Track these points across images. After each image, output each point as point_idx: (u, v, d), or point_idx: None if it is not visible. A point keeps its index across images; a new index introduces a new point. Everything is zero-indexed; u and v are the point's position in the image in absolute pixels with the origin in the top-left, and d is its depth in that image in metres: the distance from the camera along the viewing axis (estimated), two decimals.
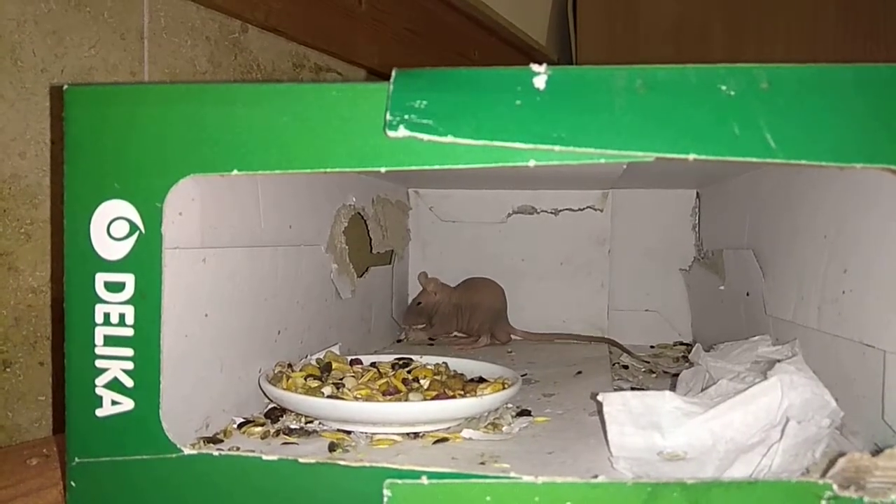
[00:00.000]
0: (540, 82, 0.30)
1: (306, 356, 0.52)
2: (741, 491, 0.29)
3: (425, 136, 0.30)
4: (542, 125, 0.29)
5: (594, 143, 0.29)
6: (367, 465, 0.31)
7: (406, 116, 0.30)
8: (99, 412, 0.33)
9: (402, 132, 0.30)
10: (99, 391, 0.33)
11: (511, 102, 0.30)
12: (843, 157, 0.29)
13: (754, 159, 0.29)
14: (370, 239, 0.70)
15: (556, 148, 0.29)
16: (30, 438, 0.48)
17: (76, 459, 0.33)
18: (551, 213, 0.80)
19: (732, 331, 0.61)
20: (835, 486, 0.29)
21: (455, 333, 0.78)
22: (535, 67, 0.30)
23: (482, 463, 0.37)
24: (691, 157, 0.29)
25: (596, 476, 0.30)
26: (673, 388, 0.49)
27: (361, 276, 0.67)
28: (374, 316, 0.71)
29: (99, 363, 0.33)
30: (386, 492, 0.30)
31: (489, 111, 0.30)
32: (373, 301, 0.71)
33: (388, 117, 0.30)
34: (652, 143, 0.29)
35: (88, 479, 0.33)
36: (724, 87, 0.29)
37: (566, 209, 0.80)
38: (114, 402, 0.33)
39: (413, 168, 0.31)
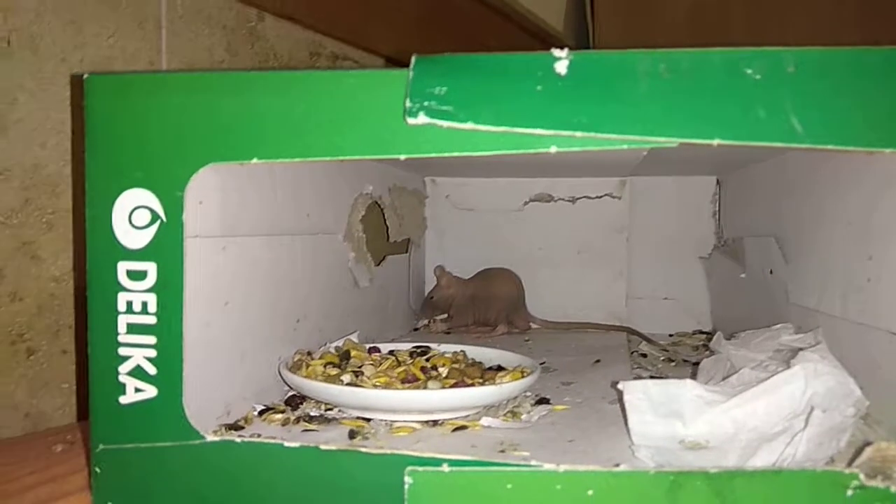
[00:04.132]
0: (561, 67, 0.29)
1: (325, 344, 0.52)
2: (766, 480, 0.29)
3: (445, 123, 0.30)
4: (563, 111, 0.29)
5: (616, 129, 0.29)
6: (389, 452, 0.32)
7: (426, 103, 0.30)
8: (122, 399, 0.33)
9: (422, 119, 0.30)
10: (122, 379, 0.33)
11: (532, 88, 0.29)
12: (870, 141, 0.29)
13: (780, 144, 0.28)
14: (387, 227, 0.70)
15: (578, 134, 0.29)
16: (54, 425, 0.49)
17: (100, 446, 0.34)
18: (569, 200, 0.80)
19: (753, 319, 0.61)
20: (861, 476, 0.28)
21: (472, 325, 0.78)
22: (556, 52, 0.29)
23: (502, 451, 0.37)
24: (716, 142, 0.28)
25: (618, 464, 0.30)
26: (693, 376, 0.48)
27: (378, 264, 0.67)
28: (391, 304, 0.71)
29: (122, 351, 0.33)
30: (407, 479, 0.30)
31: (510, 97, 0.29)
32: (390, 290, 0.71)
33: (408, 104, 0.30)
34: (675, 128, 0.29)
35: (113, 465, 0.34)
36: (749, 71, 0.29)
37: (584, 197, 0.79)
38: (137, 390, 0.33)
39: (432, 155, 0.31)
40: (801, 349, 0.40)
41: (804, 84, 0.29)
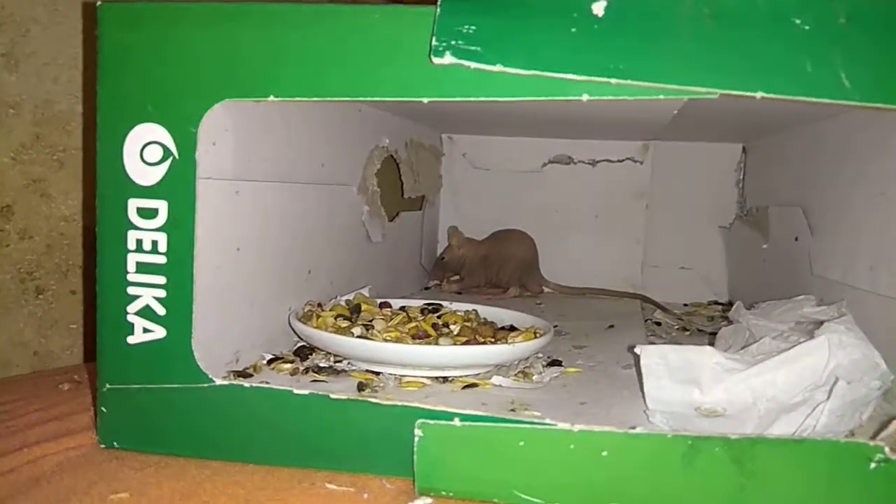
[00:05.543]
0: (599, 9, 0.28)
1: (336, 297, 0.51)
2: (787, 449, 0.28)
3: (472, 64, 0.28)
4: (598, 55, 0.27)
5: (654, 77, 0.27)
6: (400, 404, 0.31)
7: (453, 42, 0.28)
8: (130, 339, 0.33)
9: (448, 59, 0.28)
10: (130, 318, 0.33)
11: (566, 29, 0.28)
12: None
13: (826, 100, 0.27)
14: (402, 183, 0.68)
15: (613, 81, 0.27)
16: (62, 365, 0.49)
17: (107, 385, 0.33)
18: (588, 163, 0.78)
19: (771, 291, 0.59)
20: (886, 449, 0.27)
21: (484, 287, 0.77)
22: None
23: (512, 409, 0.36)
24: (759, 95, 0.27)
25: (634, 427, 0.29)
26: (709, 345, 0.47)
27: (392, 220, 0.66)
28: (403, 261, 0.70)
29: (131, 290, 0.33)
30: (417, 431, 0.30)
31: (542, 39, 0.28)
32: (403, 246, 0.70)
33: (434, 43, 0.28)
34: (717, 78, 0.27)
35: (119, 404, 0.33)
36: (798, 21, 0.27)
37: (604, 160, 0.77)
38: (145, 330, 0.33)
39: (457, 99, 0.29)
40: (823, 321, 0.39)
41: (856, 37, 0.27)
